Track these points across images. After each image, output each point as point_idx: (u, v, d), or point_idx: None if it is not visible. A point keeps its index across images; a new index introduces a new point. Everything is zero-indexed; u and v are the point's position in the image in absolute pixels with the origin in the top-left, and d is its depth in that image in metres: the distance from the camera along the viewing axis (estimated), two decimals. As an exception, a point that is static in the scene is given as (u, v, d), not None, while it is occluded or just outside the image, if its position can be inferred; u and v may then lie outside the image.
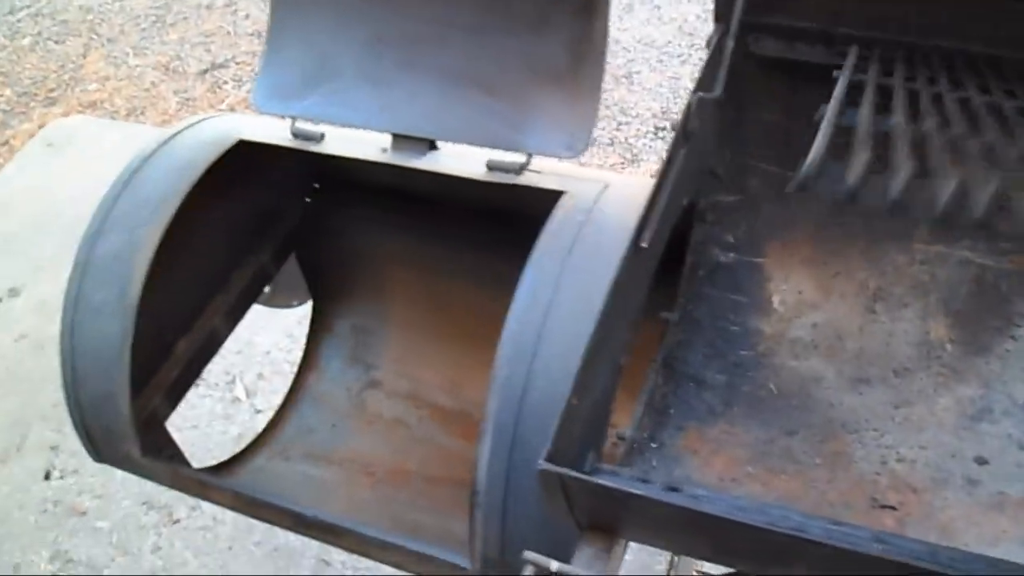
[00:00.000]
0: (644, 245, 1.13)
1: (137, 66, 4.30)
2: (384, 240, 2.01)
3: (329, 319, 2.10)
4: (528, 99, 1.44)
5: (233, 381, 2.91)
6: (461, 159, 1.52)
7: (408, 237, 1.98)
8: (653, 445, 1.44)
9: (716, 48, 1.41)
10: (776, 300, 1.59)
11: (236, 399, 2.84)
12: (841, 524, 0.95)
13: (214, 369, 2.96)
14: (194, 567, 2.50)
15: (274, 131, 1.64)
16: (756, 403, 1.36)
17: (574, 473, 0.89)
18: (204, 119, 1.69)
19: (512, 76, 1.45)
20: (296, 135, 1.61)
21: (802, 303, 1.51)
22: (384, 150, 1.56)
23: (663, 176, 1.21)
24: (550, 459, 0.90)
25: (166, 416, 1.74)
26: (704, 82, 1.36)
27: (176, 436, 1.69)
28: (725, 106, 1.58)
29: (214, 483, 1.52)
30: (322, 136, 1.60)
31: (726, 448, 1.31)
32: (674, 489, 0.92)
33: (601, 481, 0.89)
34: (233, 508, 1.52)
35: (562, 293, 1.25)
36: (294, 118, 1.62)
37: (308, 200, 1.99)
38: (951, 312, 1.34)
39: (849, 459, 1.33)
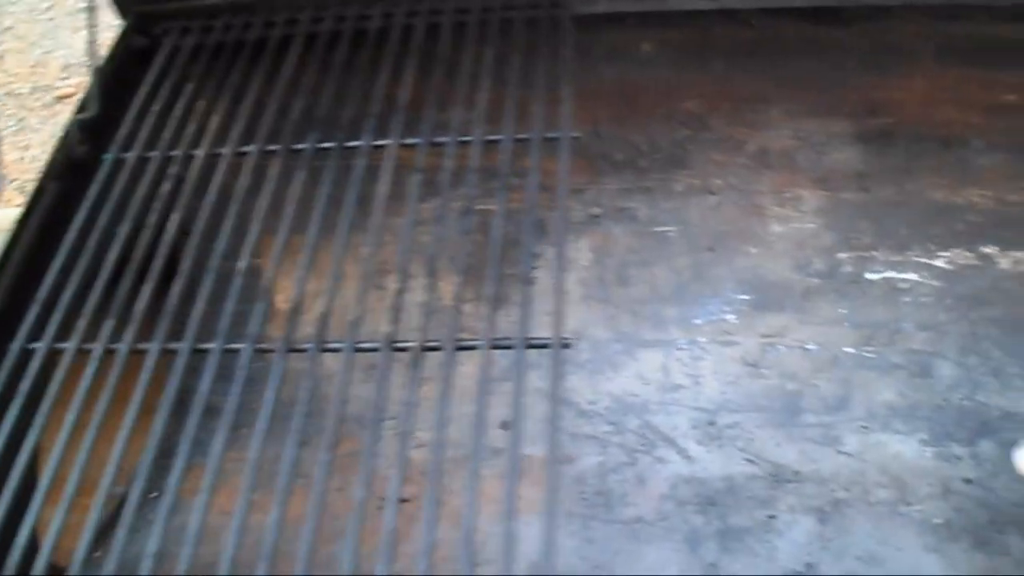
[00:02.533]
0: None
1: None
2: None
3: None
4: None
5: None
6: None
7: None
8: (154, 495, 1.27)
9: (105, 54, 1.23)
10: (280, 299, 1.45)
11: None
12: None
13: None
14: None
15: None
16: (268, 419, 1.21)
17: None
18: None
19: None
20: None
21: (307, 296, 1.37)
22: None
23: (22, 225, 1.02)
24: None
25: None
26: (87, 99, 1.18)
27: None
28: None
29: None
30: None
31: (232, 477, 1.15)
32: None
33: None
34: None
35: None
36: None
37: None
38: (460, 269, 1.24)
39: (364, 458, 1.20)
